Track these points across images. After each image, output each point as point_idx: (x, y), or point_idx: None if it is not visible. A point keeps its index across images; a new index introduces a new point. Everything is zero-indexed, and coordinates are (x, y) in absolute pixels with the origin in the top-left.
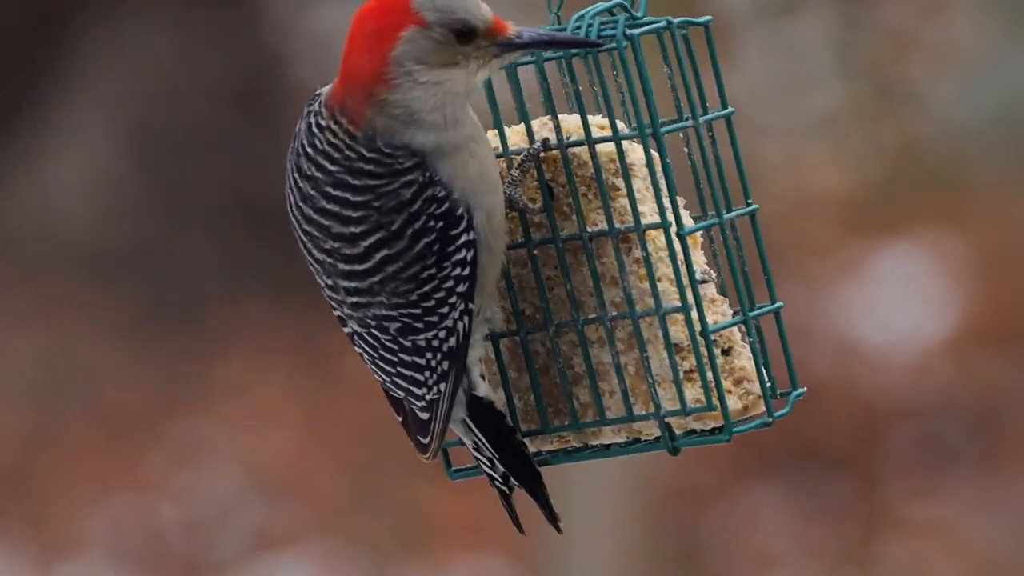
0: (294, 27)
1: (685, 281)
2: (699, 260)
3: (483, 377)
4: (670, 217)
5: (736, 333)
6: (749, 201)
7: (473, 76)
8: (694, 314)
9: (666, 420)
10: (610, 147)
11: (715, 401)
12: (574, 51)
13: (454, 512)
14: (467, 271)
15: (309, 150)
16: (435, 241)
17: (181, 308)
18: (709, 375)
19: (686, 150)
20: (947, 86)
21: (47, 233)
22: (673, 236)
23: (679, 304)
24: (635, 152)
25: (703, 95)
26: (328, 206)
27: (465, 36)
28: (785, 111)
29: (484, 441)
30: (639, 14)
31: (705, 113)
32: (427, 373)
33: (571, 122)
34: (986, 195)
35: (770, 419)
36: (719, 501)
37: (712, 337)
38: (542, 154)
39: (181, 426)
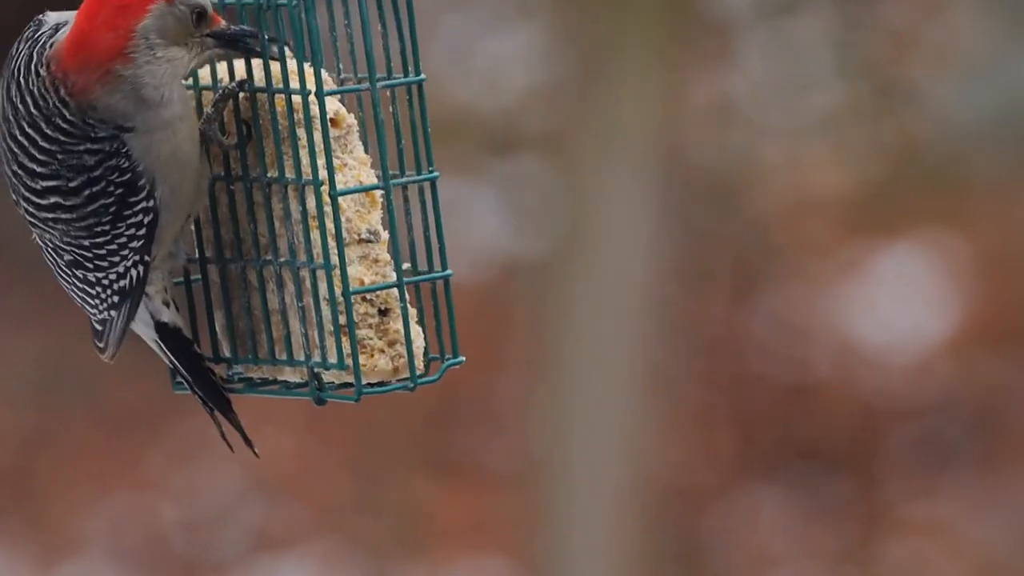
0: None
1: (331, 240)
2: (372, 219)
3: (167, 304)
4: (337, 174)
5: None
6: (431, 168)
7: (193, 60)
8: (341, 272)
9: (318, 370)
10: (300, 98)
11: (347, 361)
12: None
13: (454, 512)
14: (142, 231)
15: (23, 82)
16: (112, 204)
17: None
18: (345, 335)
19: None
20: (947, 86)
21: None
22: (324, 194)
23: (331, 261)
24: (333, 107)
25: (413, 59)
26: (20, 137)
27: (199, 19)
28: (785, 111)
29: (176, 364)
30: None
31: (407, 76)
32: (97, 301)
33: (291, 67)
34: (986, 195)
35: (411, 384)
36: (719, 501)
37: (369, 296)
38: (241, 94)
39: (181, 426)
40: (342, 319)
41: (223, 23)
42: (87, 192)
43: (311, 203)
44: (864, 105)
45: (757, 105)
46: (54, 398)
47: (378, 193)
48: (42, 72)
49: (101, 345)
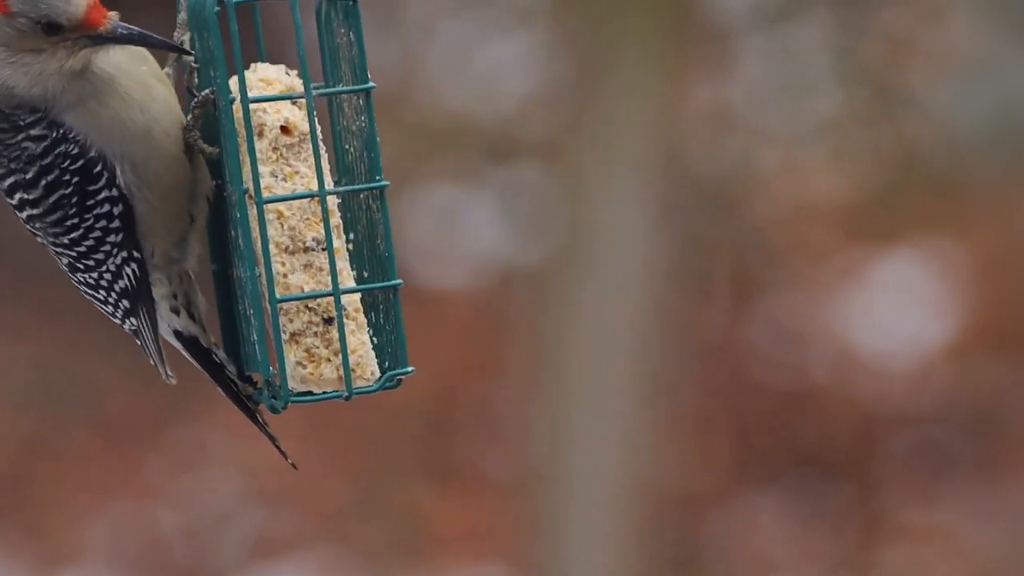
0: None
1: (257, 247)
2: (319, 228)
3: (177, 312)
4: (268, 183)
5: (348, 304)
6: (378, 177)
7: (64, 62)
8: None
9: (269, 377)
10: (250, 106)
11: (272, 368)
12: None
13: (453, 519)
14: (115, 223)
15: None
16: (72, 194)
17: None
18: (296, 343)
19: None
20: (946, 92)
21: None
22: (246, 200)
23: (255, 268)
24: (284, 115)
25: (363, 67)
26: None
27: (50, 28)
28: (783, 117)
29: (206, 373)
30: None
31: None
32: (110, 308)
33: (271, 73)
34: (985, 201)
35: (346, 393)
36: (718, 507)
37: (311, 305)
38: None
39: (181, 433)
40: (289, 326)
41: (109, 25)
42: (43, 182)
43: (253, 211)
44: (863, 111)
45: (756, 111)
46: (53, 405)
47: (334, 203)
48: None
49: (152, 364)
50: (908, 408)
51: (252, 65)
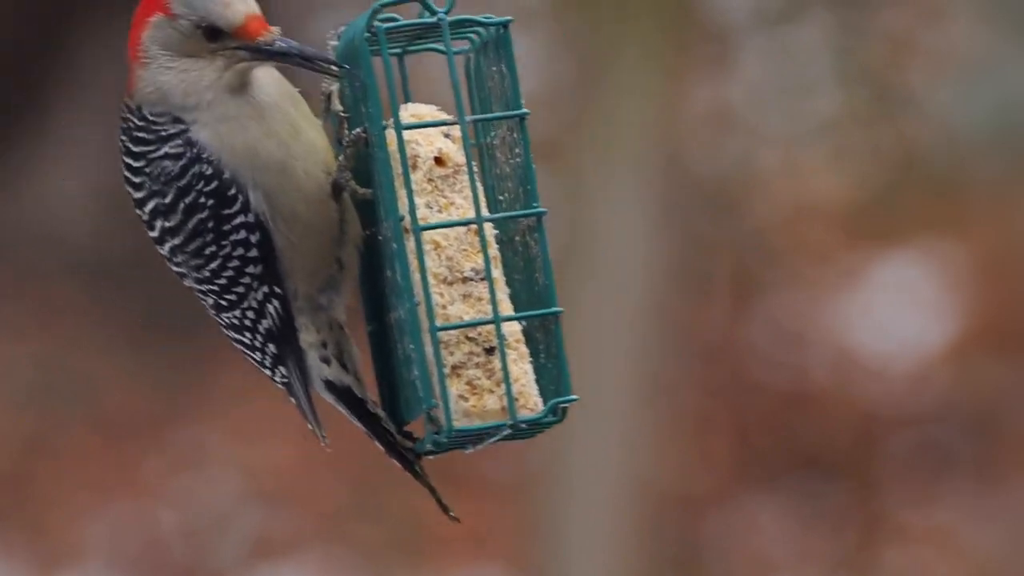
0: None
1: (415, 278)
2: (478, 259)
3: (328, 361)
4: (419, 210)
5: (509, 335)
6: (535, 204)
7: (221, 72)
8: (437, 310)
9: (432, 411)
10: (403, 137)
11: (435, 399)
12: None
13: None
14: (254, 253)
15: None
16: (208, 219)
17: (180, 316)
18: (457, 376)
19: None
20: (946, 92)
21: (47, 240)
22: (403, 227)
23: (414, 297)
24: (437, 145)
25: (515, 94)
26: (126, 174)
27: (212, 33)
28: (783, 117)
29: (359, 425)
30: (443, 10)
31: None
32: (259, 355)
33: (422, 110)
34: (985, 201)
35: (510, 422)
36: (718, 508)
37: (472, 335)
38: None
39: (180, 433)
40: (450, 359)
41: (268, 37)
42: (182, 205)
43: (411, 243)
44: (862, 111)
45: (756, 112)
46: (53, 404)
47: (490, 231)
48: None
49: (311, 427)
50: (908, 408)
51: (403, 105)
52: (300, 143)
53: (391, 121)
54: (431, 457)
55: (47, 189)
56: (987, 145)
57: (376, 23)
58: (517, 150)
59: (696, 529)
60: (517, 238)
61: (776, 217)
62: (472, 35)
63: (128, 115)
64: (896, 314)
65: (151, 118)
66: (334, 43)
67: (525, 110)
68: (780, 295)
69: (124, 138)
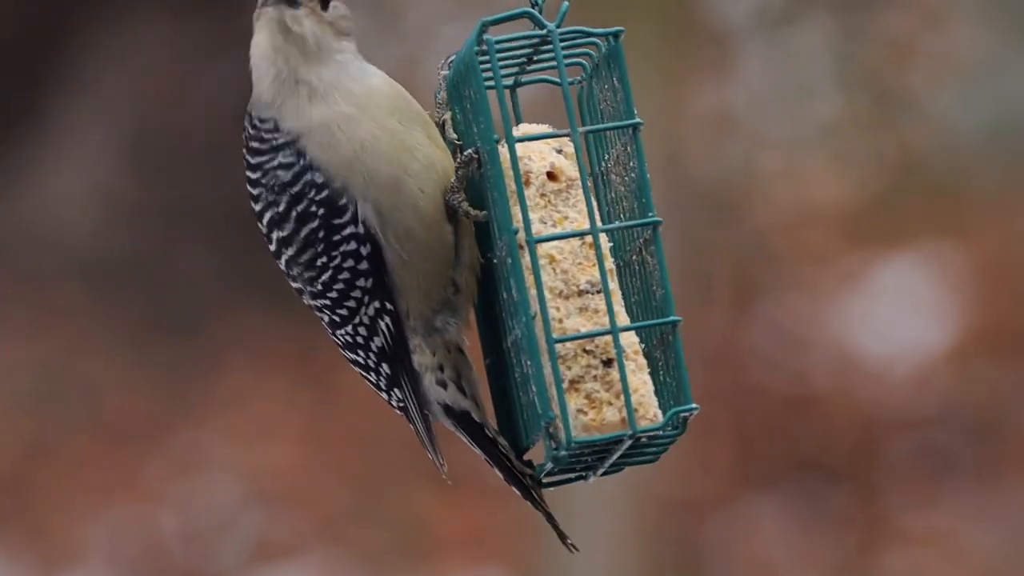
0: None
1: (532, 291)
2: (594, 271)
3: (445, 385)
4: (532, 224)
5: (627, 346)
6: (650, 214)
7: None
8: (553, 322)
9: (550, 426)
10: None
11: (553, 410)
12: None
13: (454, 523)
14: (364, 266)
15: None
16: (319, 228)
17: (181, 319)
18: (576, 390)
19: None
20: (947, 96)
21: (47, 243)
22: (518, 241)
23: (530, 310)
24: (550, 160)
25: (628, 106)
26: (247, 187)
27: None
28: (784, 121)
29: (479, 451)
30: (554, 24)
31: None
32: (373, 376)
33: (533, 129)
34: (986, 205)
35: (630, 432)
36: (719, 512)
37: (590, 348)
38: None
39: (181, 437)
40: (568, 373)
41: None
42: (294, 213)
43: (526, 258)
44: (863, 116)
45: (757, 115)
46: (54, 408)
47: (605, 246)
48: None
49: (430, 455)
50: (909, 412)
51: (516, 126)
52: (416, 160)
53: (503, 138)
54: (551, 488)
55: (47, 190)
56: (987, 149)
57: (486, 37)
58: (632, 163)
59: (697, 532)
60: (634, 257)
61: (777, 220)
62: (583, 59)
63: (247, 124)
64: (897, 317)
65: (259, 124)
66: (445, 72)
67: (638, 120)
68: (781, 298)
69: (244, 150)
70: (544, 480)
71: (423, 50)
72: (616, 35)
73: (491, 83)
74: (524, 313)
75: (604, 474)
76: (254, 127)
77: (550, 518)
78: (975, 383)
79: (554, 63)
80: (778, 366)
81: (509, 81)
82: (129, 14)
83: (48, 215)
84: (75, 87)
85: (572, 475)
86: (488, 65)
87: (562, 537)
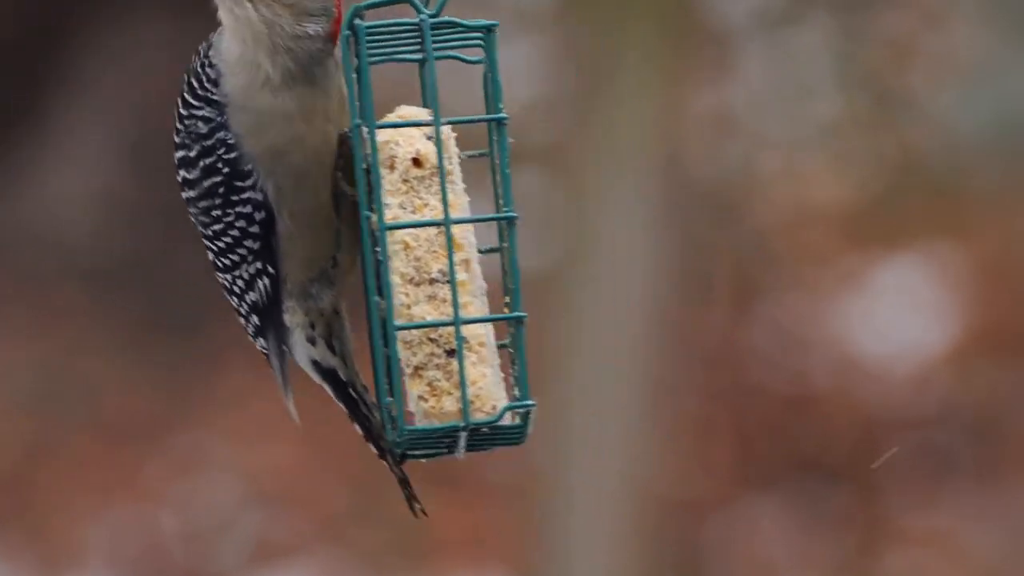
0: None
1: (395, 276)
2: (445, 262)
3: (314, 342)
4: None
5: (472, 338)
6: (506, 208)
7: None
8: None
9: (392, 411)
10: (382, 138)
11: (388, 396)
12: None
13: (454, 523)
14: (255, 229)
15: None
16: (221, 184)
17: (181, 319)
18: (419, 376)
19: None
20: (947, 96)
21: (47, 243)
22: (369, 224)
23: (374, 296)
24: (415, 147)
25: (497, 100)
26: (176, 119)
27: None
28: (784, 121)
29: (343, 407)
30: (431, 12)
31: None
32: (242, 320)
33: (411, 112)
34: (986, 205)
35: (463, 423)
36: (719, 512)
37: (433, 336)
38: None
39: (181, 436)
40: (413, 359)
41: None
42: (202, 163)
43: (392, 240)
44: (863, 116)
45: (757, 116)
46: (54, 408)
47: (464, 237)
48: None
49: (283, 396)
50: (909, 412)
51: (396, 108)
52: (331, 154)
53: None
54: (424, 460)
55: (47, 190)
56: (988, 149)
57: (357, 22)
58: (498, 159)
59: (697, 532)
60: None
61: (777, 221)
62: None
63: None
64: (897, 317)
65: (203, 65)
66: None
67: (504, 115)
68: (781, 298)
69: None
70: (411, 453)
71: None
72: (490, 28)
73: (378, 62)
74: (369, 294)
75: (471, 451)
76: (202, 66)
77: (403, 483)
78: (975, 383)
79: (463, 43)
80: (778, 366)
81: (418, 56)
82: (129, 14)
83: (48, 215)
84: (75, 87)
85: (436, 451)
86: (376, 47)
87: (410, 501)
